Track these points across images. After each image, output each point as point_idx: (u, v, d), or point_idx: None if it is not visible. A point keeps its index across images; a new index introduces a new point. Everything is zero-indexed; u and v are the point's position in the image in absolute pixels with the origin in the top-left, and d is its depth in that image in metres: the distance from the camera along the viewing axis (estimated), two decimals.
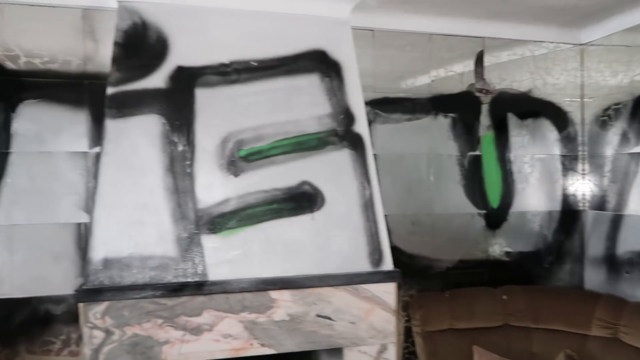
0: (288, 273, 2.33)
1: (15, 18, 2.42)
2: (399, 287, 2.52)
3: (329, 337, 2.36)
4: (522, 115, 3.23)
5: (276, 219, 2.36)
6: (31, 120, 2.43)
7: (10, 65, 2.42)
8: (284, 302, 2.29)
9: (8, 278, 2.42)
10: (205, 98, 2.36)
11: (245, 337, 2.25)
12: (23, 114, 2.43)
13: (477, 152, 3.15)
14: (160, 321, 2.15)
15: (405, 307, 2.95)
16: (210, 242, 2.27)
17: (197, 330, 2.19)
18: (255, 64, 2.44)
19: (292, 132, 2.44)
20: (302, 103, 2.47)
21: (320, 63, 2.52)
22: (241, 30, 2.45)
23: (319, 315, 2.34)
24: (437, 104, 3.08)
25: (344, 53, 2.57)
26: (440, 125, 3.08)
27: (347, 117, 2.52)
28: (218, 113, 2.37)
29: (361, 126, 2.54)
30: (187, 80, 2.35)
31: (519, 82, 3.22)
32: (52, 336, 2.48)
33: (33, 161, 2.45)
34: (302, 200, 2.40)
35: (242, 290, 2.24)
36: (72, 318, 2.47)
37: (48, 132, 2.45)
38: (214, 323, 2.22)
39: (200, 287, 2.19)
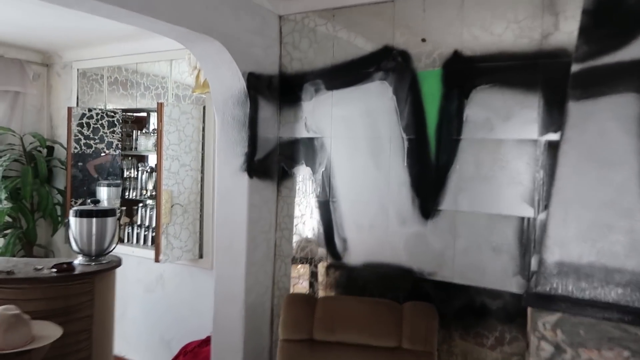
0: None
1: (474, 4, 2.39)
2: None
3: None
4: None
5: None
6: (482, 106, 2.38)
7: (466, 52, 2.42)
8: None
9: (449, 262, 2.47)
10: None
11: None
12: (475, 100, 2.39)
13: None
14: (626, 353, 1.71)
15: None
16: None
17: None
18: None
19: None
20: None
21: None
22: None
23: None
24: None
25: None
26: None
27: None
28: None
29: None
30: None
31: None
32: (486, 330, 2.39)
33: (480, 148, 2.39)
34: None
35: None
36: (508, 317, 2.32)
37: (497, 118, 2.34)
38: None
39: None
